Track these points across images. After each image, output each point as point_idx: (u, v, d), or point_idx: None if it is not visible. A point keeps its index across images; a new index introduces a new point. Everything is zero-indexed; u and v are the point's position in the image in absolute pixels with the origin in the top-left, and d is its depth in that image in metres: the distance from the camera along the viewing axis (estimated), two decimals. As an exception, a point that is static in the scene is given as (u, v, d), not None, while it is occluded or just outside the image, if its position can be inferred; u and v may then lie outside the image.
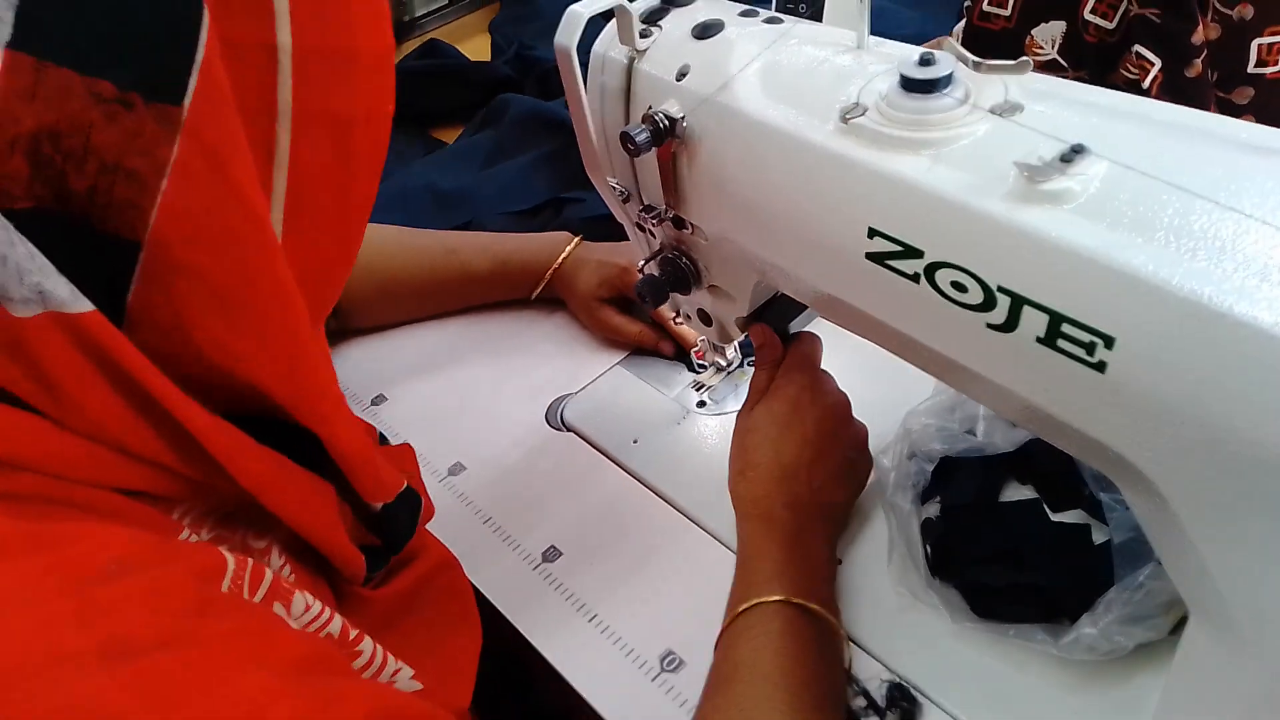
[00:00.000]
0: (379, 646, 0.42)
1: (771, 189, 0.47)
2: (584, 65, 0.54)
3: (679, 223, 0.55)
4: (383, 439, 0.55)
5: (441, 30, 1.48)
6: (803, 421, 0.59)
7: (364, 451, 0.41)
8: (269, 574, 0.37)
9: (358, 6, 0.33)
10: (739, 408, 0.73)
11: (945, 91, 0.41)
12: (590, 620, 0.61)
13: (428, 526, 0.54)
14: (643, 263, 0.61)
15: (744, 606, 0.52)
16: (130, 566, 0.31)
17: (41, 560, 0.29)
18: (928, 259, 0.40)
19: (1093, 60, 0.84)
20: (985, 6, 0.87)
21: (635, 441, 0.72)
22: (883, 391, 0.68)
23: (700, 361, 0.76)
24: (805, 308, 0.59)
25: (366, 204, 0.37)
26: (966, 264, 0.39)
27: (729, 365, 0.75)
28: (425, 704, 0.39)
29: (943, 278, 0.40)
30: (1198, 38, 0.78)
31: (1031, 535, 0.58)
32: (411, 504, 0.48)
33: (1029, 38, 0.86)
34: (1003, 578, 0.55)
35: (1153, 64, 0.80)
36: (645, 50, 0.52)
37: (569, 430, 0.75)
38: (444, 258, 0.81)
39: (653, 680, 0.57)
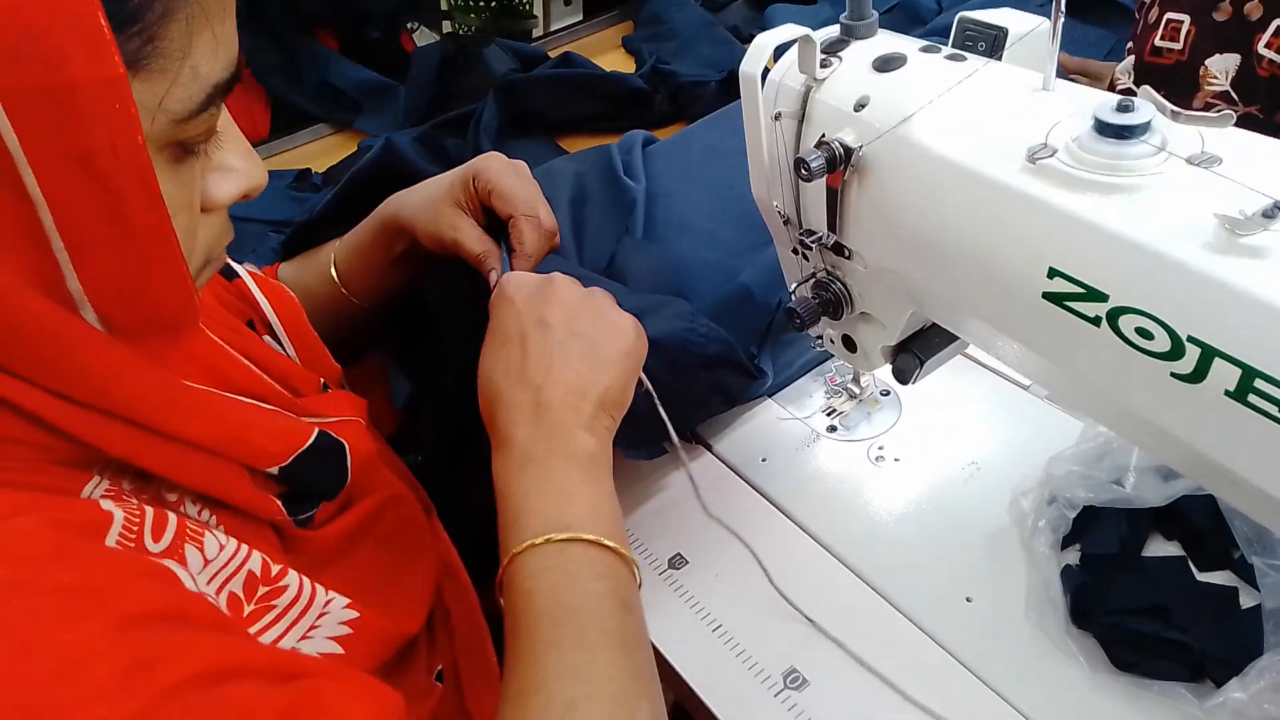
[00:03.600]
0: (306, 579, 0.45)
1: (948, 223, 0.47)
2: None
3: (839, 249, 0.56)
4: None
5: (575, 45, 1.53)
6: (503, 322, 0.54)
7: (224, 435, 0.42)
8: (172, 519, 0.40)
9: (62, 40, 0.31)
10: (869, 435, 0.74)
11: (1142, 138, 0.41)
12: (714, 630, 0.62)
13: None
14: (794, 285, 0.62)
15: (511, 553, 0.48)
16: None
17: None
18: (1112, 303, 0.40)
19: (1265, 95, 0.82)
20: (1156, 42, 0.86)
21: (764, 460, 0.73)
22: (1026, 435, 0.68)
23: (833, 386, 0.77)
24: (955, 339, 0.59)
25: (157, 227, 0.37)
26: (1155, 311, 0.38)
27: (861, 392, 0.76)
28: (296, 659, 0.41)
29: (1126, 323, 0.40)
30: None
31: (1176, 593, 0.57)
32: (326, 454, 0.49)
33: (1203, 68, 0.84)
34: (1150, 629, 0.54)
35: None
36: (824, 80, 0.53)
37: (699, 444, 0.76)
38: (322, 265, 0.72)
39: (775, 695, 0.58)
